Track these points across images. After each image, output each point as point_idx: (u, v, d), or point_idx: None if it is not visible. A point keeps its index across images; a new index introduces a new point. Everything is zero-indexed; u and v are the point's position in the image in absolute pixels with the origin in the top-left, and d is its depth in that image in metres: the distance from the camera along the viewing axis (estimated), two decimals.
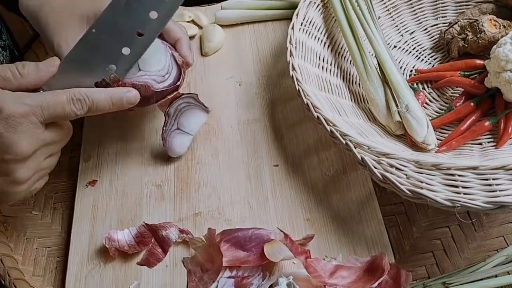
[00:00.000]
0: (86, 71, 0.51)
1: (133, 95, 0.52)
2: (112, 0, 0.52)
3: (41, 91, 0.48)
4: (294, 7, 0.71)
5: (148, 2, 0.51)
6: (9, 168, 0.44)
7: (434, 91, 0.68)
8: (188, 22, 0.80)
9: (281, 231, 0.52)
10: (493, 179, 0.50)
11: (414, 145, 0.60)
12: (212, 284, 0.50)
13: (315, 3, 0.70)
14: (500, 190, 0.49)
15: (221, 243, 0.55)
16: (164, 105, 0.60)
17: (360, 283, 0.49)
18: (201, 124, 0.65)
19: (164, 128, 0.61)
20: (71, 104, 0.46)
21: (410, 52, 0.73)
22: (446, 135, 0.62)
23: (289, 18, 0.70)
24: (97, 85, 0.52)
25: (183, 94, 0.61)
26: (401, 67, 0.71)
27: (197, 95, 0.63)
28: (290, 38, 0.65)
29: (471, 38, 0.67)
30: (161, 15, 0.52)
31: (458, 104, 0.64)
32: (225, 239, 0.55)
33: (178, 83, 0.59)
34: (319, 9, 0.71)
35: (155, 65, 0.57)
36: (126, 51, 0.52)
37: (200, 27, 0.80)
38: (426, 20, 0.76)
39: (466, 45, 0.68)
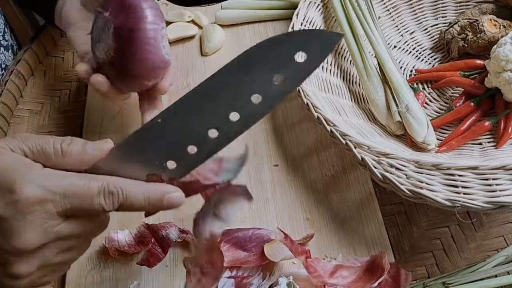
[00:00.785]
0: (140, 162, 0.41)
1: (177, 197, 0.42)
2: (188, 93, 0.41)
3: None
4: (294, 7, 0.71)
5: (231, 100, 0.40)
6: (7, 259, 0.36)
7: (434, 91, 0.68)
8: (188, 22, 0.80)
9: (281, 231, 0.52)
10: (493, 179, 0.50)
11: (414, 145, 0.60)
12: None
13: (315, 3, 0.70)
14: (500, 190, 0.49)
15: (221, 243, 0.55)
16: (208, 193, 0.49)
17: (360, 283, 0.49)
18: (239, 212, 0.55)
19: (200, 211, 0.51)
20: (101, 197, 0.37)
21: (410, 52, 0.73)
22: (446, 135, 0.62)
23: (289, 18, 0.70)
24: (147, 179, 0.41)
25: (233, 185, 0.49)
26: (401, 67, 0.71)
27: (246, 186, 0.51)
28: None
29: (471, 38, 0.67)
30: (243, 117, 0.40)
31: (458, 104, 0.64)
32: (225, 239, 0.56)
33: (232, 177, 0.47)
34: (319, 9, 0.71)
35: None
36: (192, 149, 0.41)
37: (200, 27, 0.80)
38: (426, 20, 0.76)
39: (466, 45, 0.68)
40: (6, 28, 0.76)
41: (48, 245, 0.37)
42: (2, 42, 0.74)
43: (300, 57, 0.38)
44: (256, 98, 0.39)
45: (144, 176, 0.41)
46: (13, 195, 0.35)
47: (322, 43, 0.39)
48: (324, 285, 0.51)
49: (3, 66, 0.74)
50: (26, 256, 0.36)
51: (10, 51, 0.76)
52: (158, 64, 0.55)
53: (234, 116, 0.40)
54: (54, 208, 0.36)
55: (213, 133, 0.41)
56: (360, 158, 0.53)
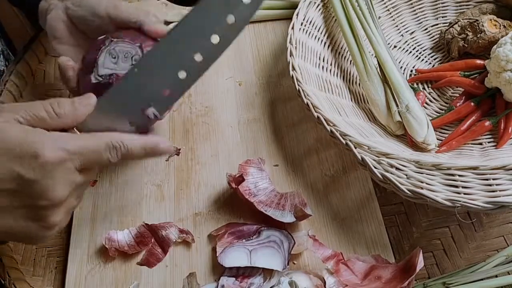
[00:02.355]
0: (124, 110, 0.48)
1: (167, 147, 0.49)
2: (156, 44, 0.49)
3: (75, 129, 0.46)
4: (294, 7, 0.71)
5: (194, 42, 0.47)
6: (43, 214, 0.42)
7: (434, 91, 0.68)
8: None
9: (310, 237, 0.52)
10: (493, 179, 0.50)
11: (414, 145, 0.60)
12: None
13: (315, 3, 0.70)
14: (500, 190, 0.49)
15: (225, 235, 0.55)
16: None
17: (394, 283, 0.49)
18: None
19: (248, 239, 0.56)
20: (108, 152, 0.45)
21: (410, 52, 0.73)
22: (446, 135, 0.62)
23: (289, 18, 0.70)
24: (131, 123, 0.49)
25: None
26: (401, 67, 0.71)
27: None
28: (290, 38, 0.65)
29: (471, 38, 0.67)
30: (205, 57, 0.48)
31: (458, 104, 0.64)
32: (230, 231, 0.56)
33: None
34: (319, 9, 0.71)
35: None
36: (166, 92, 0.49)
37: None
38: (426, 20, 0.75)
39: (466, 45, 0.68)
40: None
41: (72, 194, 0.44)
42: None
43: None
44: (215, 39, 0.47)
45: (127, 123, 0.48)
46: (38, 160, 0.40)
47: None
48: (324, 285, 0.51)
49: None
50: (58, 206, 0.43)
51: (1, 56, 0.76)
52: None
53: (198, 57, 0.48)
54: (73, 165, 0.42)
55: (182, 74, 0.48)
56: (360, 158, 0.53)
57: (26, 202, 0.41)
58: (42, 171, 0.40)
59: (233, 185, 0.57)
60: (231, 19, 0.47)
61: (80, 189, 0.46)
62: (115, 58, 0.54)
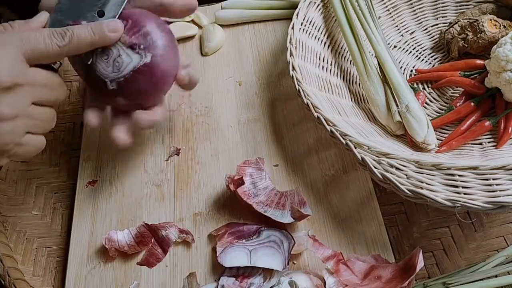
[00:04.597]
0: (75, 18, 0.50)
1: (114, 23, 0.50)
2: None
3: None
4: (294, 7, 0.71)
5: None
6: None
7: (434, 91, 0.68)
8: (188, 22, 0.80)
9: (310, 237, 0.52)
10: (493, 179, 0.50)
11: (414, 145, 0.60)
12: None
13: (315, 3, 0.70)
14: (500, 190, 0.49)
15: (225, 235, 0.55)
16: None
17: (394, 283, 0.49)
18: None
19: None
20: (52, 37, 0.45)
21: (410, 52, 0.73)
22: (446, 135, 0.62)
23: (289, 18, 0.70)
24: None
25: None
26: (401, 67, 0.71)
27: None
28: (290, 38, 0.65)
29: (471, 38, 0.67)
30: None
31: (458, 104, 0.64)
32: (230, 231, 0.56)
33: None
34: (319, 9, 0.71)
35: None
36: None
37: (200, 27, 0.80)
38: (426, 20, 0.75)
39: (466, 45, 0.68)
40: None
41: (22, 88, 0.44)
42: None
43: None
44: None
45: None
46: None
47: None
48: (324, 285, 0.51)
49: None
50: (5, 93, 0.43)
51: None
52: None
53: None
54: (17, 50, 0.44)
55: None
56: (360, 158, 0.53)
57: None
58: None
59: (232, 188, 0.57)
60: None
61: (36, 91, 0.46)
62: None
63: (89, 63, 0.52)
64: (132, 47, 0.51)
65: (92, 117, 0.54)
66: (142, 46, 0.51)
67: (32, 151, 0.47)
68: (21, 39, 0.44)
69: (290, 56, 0.63)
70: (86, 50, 0.49)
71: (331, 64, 0.69)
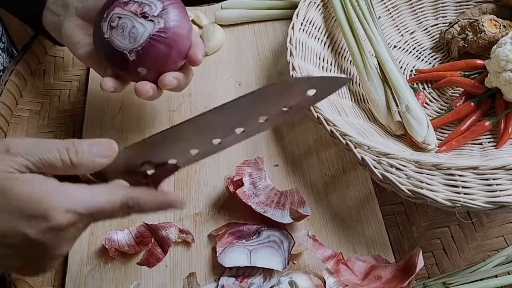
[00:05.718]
0: (147, 159, 0.45)
1: (180, 204, 0.45)
2: (205, 113, 0.42)
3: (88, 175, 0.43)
4: (294, 7, 0.71)
5: (241, 118, 0.43)
6: (46, 263, 0.42)
7: (434, 91, 0.68)
8: None
9: (310, 237, 0.52)
10: (493, 179, 0.50)
11: (414, 145, 0.60)
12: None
13: (315, 3, 0.70)
14: (500, 190, 0.49)
15: (225, 235, 0.55)
16: None
17: (394, 283, 0.49)
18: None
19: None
20: (121, 211, 0.42)
21: (410, 52, 0.73)
22: (446, 135, 0.62)
23: (289, 18, 0.70)
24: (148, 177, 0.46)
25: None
26: (401, 67, 0.71)
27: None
28: (290, 38, 0.65)
29: (471, 38, 0.67)
30: (246, 132, 0.44)
31: (458, 104, 0.64)
32: (230, 231, 0.56)
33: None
34: (319, 9, 0.71)
35: None
36: (194, 152, 0.45)
37: (200, 27, 0.80)
38: (426, 20, 0.75)
39: (466, 45, 0.68)
40: (3, 31, 0.76)
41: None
42: None
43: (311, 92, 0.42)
44: (262, 119, 0.43)
45: (146, 173, 0.45)
46: (47, 222, 0.38)
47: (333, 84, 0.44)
48: (324, 285, 0.51)
49: (1, 68, 0.74)
50: (62, 257, 0.42)
51: (6, 52, 0.76)
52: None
53: (239, 131, 0.44)
54: (82, 224, 0.41)
55: (216, 141, 0.44)
56: (360, 158, 0.53)
57: (30, 254, 0.40)
58: (50, 233, 0.39)
59: (231, 190, 0.57)
60: (285, 108, 0.44)
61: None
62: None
63: (106, 37, 0.53)
64: (144, 15, 0.53)
65: (109, 81, 0.56)
66: (154, 13, 0.53)
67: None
68: (92, 214, 0.40)
69: (290, 56, 0.63)
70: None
71: (331, 64, 0.69)
